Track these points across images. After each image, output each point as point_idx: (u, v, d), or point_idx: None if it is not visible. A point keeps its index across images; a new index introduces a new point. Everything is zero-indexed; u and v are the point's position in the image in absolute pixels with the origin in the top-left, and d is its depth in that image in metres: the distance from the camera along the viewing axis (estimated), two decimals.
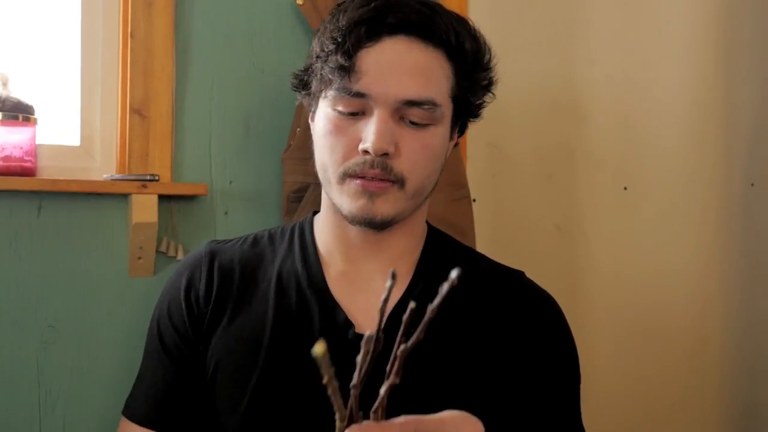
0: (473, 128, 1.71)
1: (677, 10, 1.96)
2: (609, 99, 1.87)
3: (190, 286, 0.92)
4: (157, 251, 1.36)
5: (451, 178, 1.48)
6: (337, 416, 0.49)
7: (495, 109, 1.71)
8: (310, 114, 0.94)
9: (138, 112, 1.35)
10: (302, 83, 0.93)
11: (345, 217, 0.86)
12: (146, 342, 0.96)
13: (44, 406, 1.28)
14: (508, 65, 1.78)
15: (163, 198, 1.35)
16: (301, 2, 1.43)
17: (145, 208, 1.30)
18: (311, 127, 0.95)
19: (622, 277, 1.88)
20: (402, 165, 0.83)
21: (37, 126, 1.28)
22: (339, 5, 0.89)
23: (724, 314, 2.02)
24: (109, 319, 1.34)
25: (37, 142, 1.29)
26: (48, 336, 1.29)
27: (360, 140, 0.83)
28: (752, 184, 2.04)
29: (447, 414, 0.52)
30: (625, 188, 1.89)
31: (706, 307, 1.99)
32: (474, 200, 1.58)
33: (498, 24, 1.75)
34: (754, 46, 2.05)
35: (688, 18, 1.98)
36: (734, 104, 2.03)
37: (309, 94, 0.91)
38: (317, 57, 0.87)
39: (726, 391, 2.02)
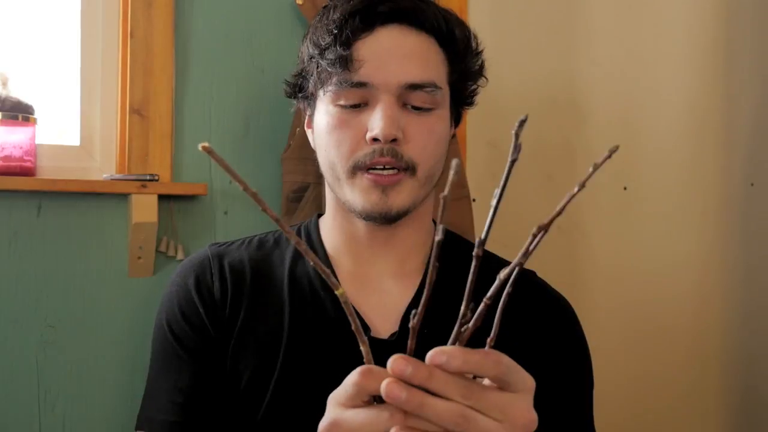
0: (473, 128, 1.72)
1: (677, 9, 1.96)
2: (609, 98, 1.87)
3: (200, 285, 0.89)
4: (157, 251, 1.36)
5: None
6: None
7: (495, 108, 1.72)
8: (306, 119, 0.94)
9: (138, 111, 1.35)
10: (296, 88, 0.93)
11: (358, 214, 0.85)
12: (156, 352, 0.92)
13: (44, 406, 1.28)
14: (508, 64, 1.80)
15: (162, 198, 1.35)
16: (300, 2, 1.43)
17: (144, 208, 1.30)
18: (308, 133, 0.95)
19: (622, 276, 1.88)
20: (411, 151, 0.83)
21: (36, 126, 1.28)
22: (325, 6, 0.90)
23: (723, 312, 2.02)
24: (109, 319, 1.34)
25: (37, 141, 1.29)
26: (48, 335, 1.29)
27: (366, 131, 0.83)
28: (752, 184, 2.04)
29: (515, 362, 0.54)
30: (625, 188, 1.89)
31: (705, 306, 1.99)
32: (474, 200, 1.58)
33: (497, 23, 1.75)
34: (754, 45, 2.05)
35: (687, 17, 1.98)
36: (734, 104, 2.03)
37: (306, 97, 0.91)
38: (311, 57, 0.88)
39: (725, 388, 2.02)
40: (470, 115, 1.68)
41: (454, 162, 0.46)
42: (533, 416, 0.52)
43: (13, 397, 1.27)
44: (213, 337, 0.87)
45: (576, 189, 0.47)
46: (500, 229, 1.74)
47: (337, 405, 0.54)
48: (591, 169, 0.47)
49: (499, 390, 0.51)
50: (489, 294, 0.51)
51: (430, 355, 0.50)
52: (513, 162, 0.48)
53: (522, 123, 0.47)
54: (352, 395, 0.52)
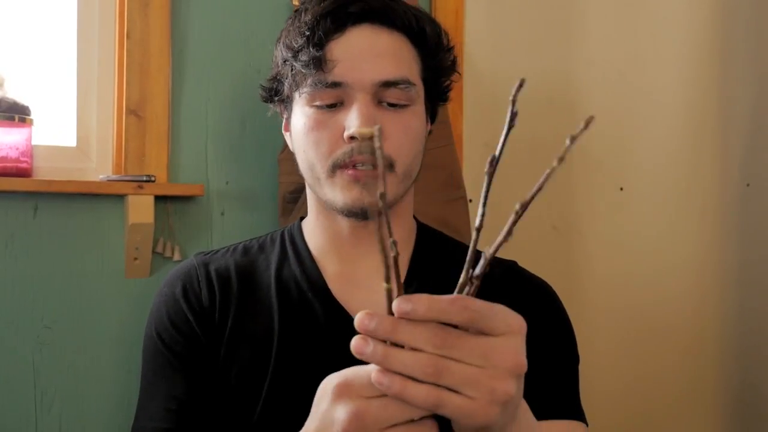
0: (469, 129, 1.72)
1: (673, 10, 1.97)
2: (605, 99, 1.87)
3: (188, 293, 0.90)
4: (154, 252, 1.36)
5: (448, 179, 1.48)
6: (384, 278, 0.50)
7: (491, 109, 1.72)
8: (283, 122, 0.95)
9: (134, 112, 1.35)
10: (272, 92, 0.94)
11: (340, 211, 0.86)
12: (147, 363, 0.91)
13: (40, 407, 1.28)
14: (505, 65, 1.80)
15: (159, 199, 1.35)
16: (296, 2, 1.43)
17: (141, 209, 1.30)
18: (286, 136, 0.96)
19: (619, 277, 1.88)
20: (389, 148, 0.84)
21: (33, 127, 1.28)
22: (296, 10, 0.91)
23: (720, 313, 2.02)
24: (105, 320, 1.33)
25: (33, 142, 1.29)
26: (44, 336, 1.29)
27: (343, 130, 0.84)
28: (748, 185, 2.05)
29: (495, 304, 0.52)
30: (622, 189, 1.89)
31: (702, 306, 2.00)
32: (470, 201, 1.58)
33: (494, 24, 1.75)
34: (750, 46, 2.05)
35: (684, 19, 1.98)
36: (730, 105, 2.04)
37: (282, 101, 0.92)
38: (284, 60, 0.89)
39: (722, 389, 2.02)
40: (467, 117, 1.68)
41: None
42: (520, 359, 0.51)
43: (9, 398, 1.26)
44: (204, 344, 0.88)
45: (555, 164, 0.47)
46: (496, 230, 1.75)
47: (356, 396, 0.52)
48: (568, 142, 0.47)
49: (479, 335, 0.50)
50: (478, 272, 0.51)
51: (396, 303, 0.49)
52: (510, 129, 0.48)
53: (520, 86, 0.46)
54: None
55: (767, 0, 2.05)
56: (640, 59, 1.92)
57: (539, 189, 0.48)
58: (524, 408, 0.59)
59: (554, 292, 0.96)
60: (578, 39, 1.85)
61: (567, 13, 1.84)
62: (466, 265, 0.51)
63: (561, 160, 0.47)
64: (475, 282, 0.51)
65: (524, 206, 0.49)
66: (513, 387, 0.50)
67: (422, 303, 0.49)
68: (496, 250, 0.50)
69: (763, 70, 2.06)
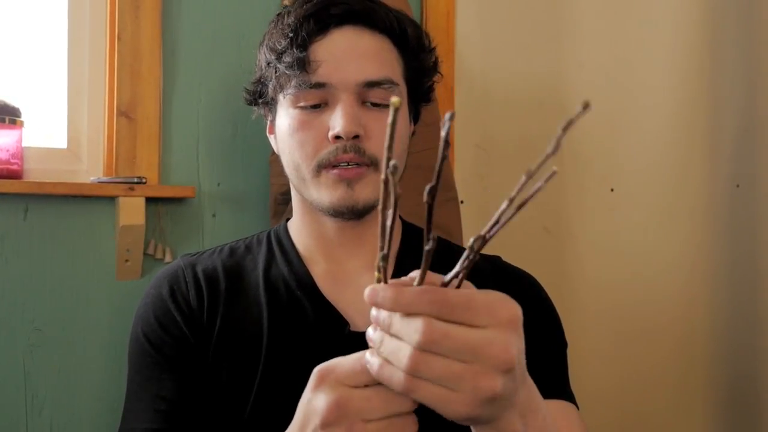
0: (461, 130, 1.72)
1: (663, 12, 1.98)
2: (596, 101, 1.86)
3: (175, 294, 0.90)
4: (145, 254, 1.36)
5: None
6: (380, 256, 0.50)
7: (482, 110, 1.72)
8: (268, 125, 0.96)
9: (125, 114, 1.35)
10: (256, 95, 0.95)
11: (326, 211, 0.87)
12: (134, 365, 0.91)
13: (31, 409, 1.28)
14: (495, 67, 1.80)
15: (150, 200, 1.34)
16: (288, 3, 1.43)
17: (132, 211, 1.30)
18: (271, 138, 0.96)
19: (610, 277, 1.89)
20: (373, 147, 0.85)
21: (23, 128, 1.28)
22: (279, 13, 0.92)
23: (710, 313, 2.03)
24: (96, 322, 1.33)
25: (24, 144, 1.29)
26: (35, 339, 1.29)
27: (328, 131, 0.85)
28: (737, 185, 2.06)
29: (480, 292, 0.50)
30: (612, 190, 1.90)
31: (692, 307, 2.01)
32: (462, 202, 1.58)
33: (485, 26, 1.75)
34: (739, 48, 2.07)
35: (673, 20, 1.99)
36: (719, 106, 2.05)
37: (266, 103, 0.93)
38: (268, 63, 0.90)
39: (713, 388, 2.03)
40: (458, 118, 1.68)
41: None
42: (508, 355, 0.49)
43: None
44: (192, 345, 0.88)
45: (550, 150, 0.46)
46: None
47: (337, 384, 0.51)
48: (560, 131, 0.45)
49: (471, 328, 0.48)
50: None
51: (366, 291, 0.50)
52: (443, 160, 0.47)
53: (450, 118, 0.44)
54: (366, 375, 0.50)
55: (756, 1, 2.07)
56: (630, 61, 1.93)
57: (538, 190, 0.47)
58: (529, 388, 0.57)
59: (538, 282, 0.98)
60: (568, 41, 1.85)
61: (557, 16, 1.85)
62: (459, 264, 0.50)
63: (556, 149, 0.45)
64: (462, 273, 0.50)
65: (519, 207, 0.48)
66: (499, 384, 0.49)
67: (387, 297, 0.49)
68: (485, 241, 0.48)
69: (752, 71, 2.07)
